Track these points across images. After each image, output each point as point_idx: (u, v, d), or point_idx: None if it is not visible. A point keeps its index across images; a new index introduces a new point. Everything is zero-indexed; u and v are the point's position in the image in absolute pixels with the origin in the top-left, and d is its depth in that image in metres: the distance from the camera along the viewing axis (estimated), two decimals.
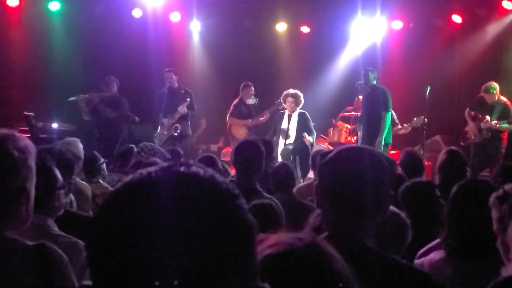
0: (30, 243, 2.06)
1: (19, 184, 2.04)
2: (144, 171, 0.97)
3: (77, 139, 6.23)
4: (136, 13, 12.27)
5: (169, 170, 0.95)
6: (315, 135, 10.09)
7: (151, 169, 0.96)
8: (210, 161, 5.74)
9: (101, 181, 5.74)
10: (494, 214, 2.32)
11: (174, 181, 0.93)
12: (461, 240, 2.89)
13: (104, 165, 6.18)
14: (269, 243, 1.20)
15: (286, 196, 5.18)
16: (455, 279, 2.86)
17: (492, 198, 2.35)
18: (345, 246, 1.82)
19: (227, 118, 11.11)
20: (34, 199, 2.92)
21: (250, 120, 10.75)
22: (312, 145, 9.80)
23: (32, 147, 2.10)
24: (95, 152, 6.27)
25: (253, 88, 10.90)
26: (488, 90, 9.51)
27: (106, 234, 0.92)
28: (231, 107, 10.98)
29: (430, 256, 3.03)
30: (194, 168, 0.96)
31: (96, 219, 0.96)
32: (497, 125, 9.34)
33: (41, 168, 3.04)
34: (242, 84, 11.01)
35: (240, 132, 10.80)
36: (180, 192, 0.92)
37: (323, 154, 2.03)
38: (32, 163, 2.10)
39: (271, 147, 6.33)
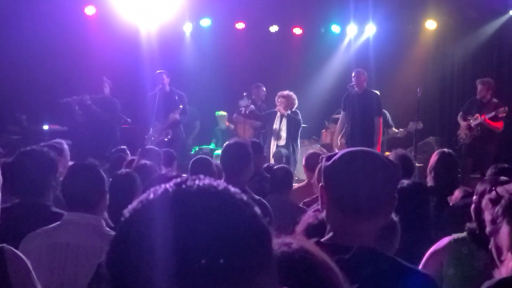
0: None
1: None
2: (159, 188, 0.97)
3: (62, 141, 6.19)
4: (128, 14, 12.23)
5: (185, 185, 0.96)
6: (300, 123, 10.06)
7: (167, 185, 0.97)
8: (204, 163, 5.73)
9: None
10: (487, 216, 2.32)
11: (192, 196, 0.94)
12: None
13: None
14: None
15: (280, 197, 5.18)
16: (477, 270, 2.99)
17: (485, 200, 2.35)
18: (349, 248, 1.82)
19: (234, 115, 11.18)
20: (89, 198, 3.12)
21: (245, 122, 10.74)
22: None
23: None
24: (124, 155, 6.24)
25: (263, 89, 10.96)
26: (483, 83, 9.57)
27: (129, 253, 0.92)
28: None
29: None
30: (207, 181, 0.97)
31: (117, 239, 0.95)
32: (486, 119, 9.37)
33: (90, 169, 3.25)
34: (253, 85, 11.07)
35: (245, 132, 10.83)
36: (200, 206, 0.93)
37: (328, 156, 2.04)
38: None
39: (259, 148, 6.32)
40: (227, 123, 12.45)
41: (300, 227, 2.99)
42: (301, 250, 1.19)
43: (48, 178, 3.68)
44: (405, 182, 4.02)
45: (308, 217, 2.91)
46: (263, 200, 4.37)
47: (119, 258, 0.93)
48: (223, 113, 12.45)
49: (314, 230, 2.88)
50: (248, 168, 4.53)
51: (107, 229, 3.15)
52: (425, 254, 3.29)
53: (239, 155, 4.48)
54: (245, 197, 0.98)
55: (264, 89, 10.98)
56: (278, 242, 1.20)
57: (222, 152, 4.70)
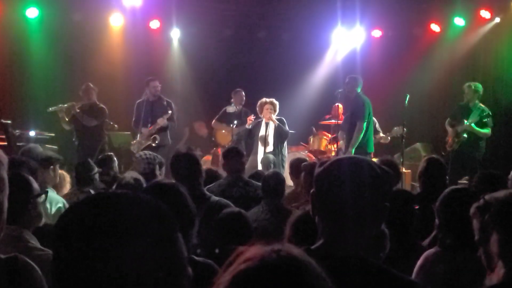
0: (2, 256, 1.99)
1: None
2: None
3: (37, 145, 6.12)
4: (115, 20, 12.20)
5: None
6: (288, 135, 10.07)
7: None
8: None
9: (92, 191, 5.63)
10: (475, 224, 2.31)
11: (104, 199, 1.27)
12: (452, 237, 3.23)
13: (97, 174, 6.07)
14: (243, 257, 1.17)
15: (273, 203, 5.18)
16: (449, 271, 3.12)
17: (473, 208, 2.34)
18: (339, 256, 1.81)
19: (213, 122, 11.11)
20: (9, 209, 2.90)
21: (232, 126, 10.69)
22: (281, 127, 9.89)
23: (4, 158, 2.02)
24: (90, 161, 6.17)
25: (243, 94, 10.88)
26: (470, 87, 9.62)
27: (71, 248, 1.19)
28: (220, 112, 11.00)
29: (426, 252, 3.35)
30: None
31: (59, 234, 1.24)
32: (471, 124, 9.41)
33: (15, 178, 2.99)
34: (234, 90, 11.02)
35: (225, 139, 10.78)
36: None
37: (321, 163, 2.05)
38: (4, 174, 2.02)
39: (239, 153, 6.30)
40: (206, 130, 12.46)
41: (290, 221, 3.01)
42: (290, 258, 1.17)
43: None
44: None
45: (297, 212, 2.94)
46: (227, 202, 4.59)
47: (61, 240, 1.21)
48: (201, 122, 12.49)
49: (302, 221, 2.91)
50: (201, 174, 4.74)
51: (27, 243, 2.89)
52: (409, 263, 3.32)
53: (191, 165, 4.67)
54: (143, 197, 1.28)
55: (243, 93, 10.92)
56: (267, 249, 1.18)
57: (171, 164, 4.82)
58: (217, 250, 3.55)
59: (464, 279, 3.05)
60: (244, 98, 10.91)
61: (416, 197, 4.59)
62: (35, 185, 3.07)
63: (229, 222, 3.79)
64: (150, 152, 6.23)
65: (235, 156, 5.99)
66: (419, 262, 3.29)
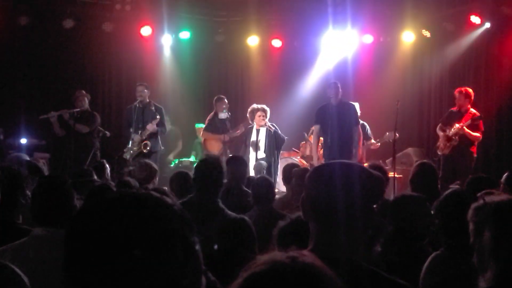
0: None
1: None
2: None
3: (21, 154, 6.11)
4: (107, 27, 12.18)
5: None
6: (284, 141, 10.10)
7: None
8: (182, 177, 5.74)
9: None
10: (471, 225, 2.32)
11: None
12: (451, 239, 3.30)
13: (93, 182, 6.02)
14: (257, 262, 1.17)
15: (265, 209, 5.19)
16: (455, 272, 3.17)
17: (471, 210, 2.36)
18: (330, 259, 1.82)
19: (201, 132, 11.04)
20: (60, 213, 3.09)
21: (223, 135, 10.64)
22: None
23: None
24: (90, 168, 6.15)
25: (226, 101, 10.80)
26: (461, 92, 9.65)
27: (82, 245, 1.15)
28: (206, 122, 10.92)
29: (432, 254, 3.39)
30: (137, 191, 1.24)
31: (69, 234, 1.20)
32: (463, 127, 9.43)
33: (61, 184, 3.19)
34: (215, 97, 10.94)
35: (215, 147, 10.73)
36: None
37: (316, 168, 2.09)
38: None
39: (242, 162, 6.33)
40: None
41: (277, 227, 3.04)
42: (306, 264, 1.17)
43: (15, 194, 3.63)
44: (402, 193, 4.07)
45: (281, 221, 2.97)
46: (245, 217, 4.40)
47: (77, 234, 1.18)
48: (203, 125, 12.41)
49: (286, 231, 2.93)
50: (221, 185, 4.64)
51: None
52: (419, 266, 3.35)
53: (214, 173, 4.57)
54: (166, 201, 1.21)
55: (226, 101, 10.86)
56: (280, 255, 1.18)
57: (195, 168, 4.74)
58: (215, 246, 3.55)
59: (470, 280, 3.07)
60: (227, 104, 10.82)
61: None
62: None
63: (233, 228, 3.78)
64: (149, 161, 6.33)
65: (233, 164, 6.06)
66: (425, 265, 3.32)
